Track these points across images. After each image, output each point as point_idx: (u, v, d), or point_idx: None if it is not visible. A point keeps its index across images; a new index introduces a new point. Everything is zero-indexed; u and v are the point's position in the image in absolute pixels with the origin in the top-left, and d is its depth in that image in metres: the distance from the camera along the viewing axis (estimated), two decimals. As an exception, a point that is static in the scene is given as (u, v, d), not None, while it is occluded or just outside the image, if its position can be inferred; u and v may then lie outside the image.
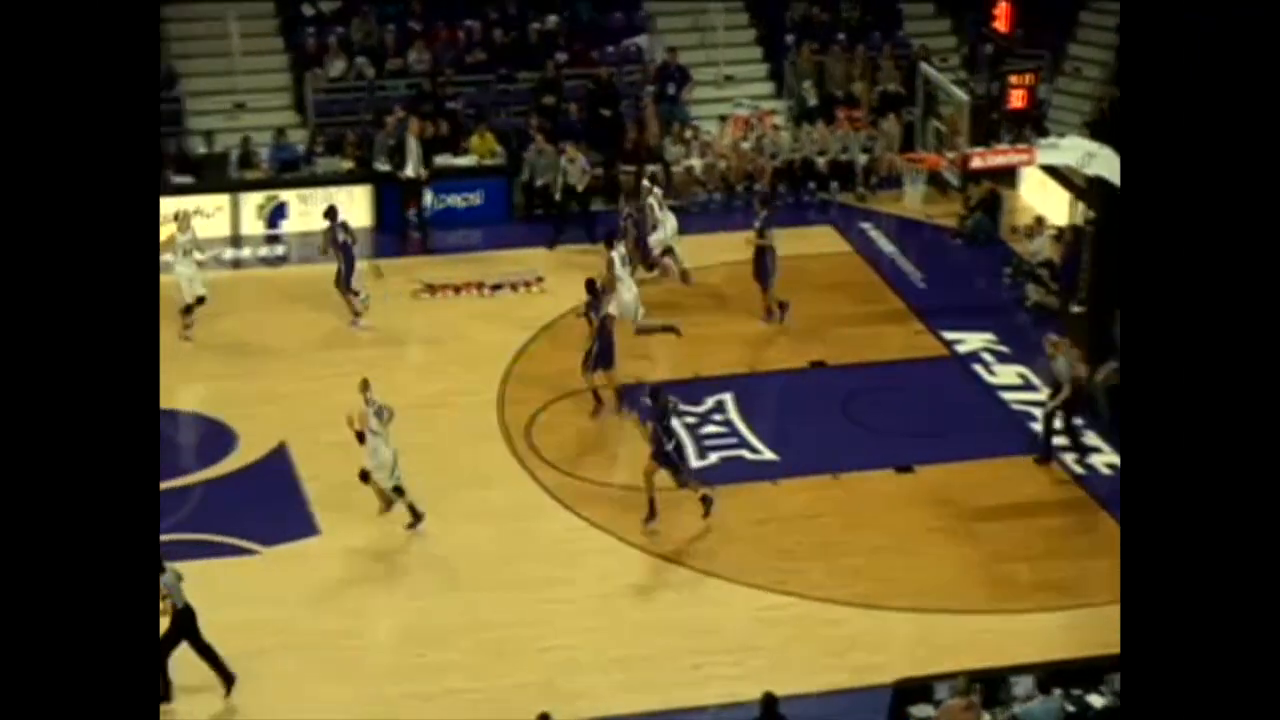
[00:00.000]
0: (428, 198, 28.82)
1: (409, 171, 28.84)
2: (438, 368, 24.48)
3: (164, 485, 21.39)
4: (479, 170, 29.83)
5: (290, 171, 29.83)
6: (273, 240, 28.95)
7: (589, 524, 21.07)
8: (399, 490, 20.59)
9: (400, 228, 28.74)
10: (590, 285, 23.57)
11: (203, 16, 31.99)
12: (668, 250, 26.79)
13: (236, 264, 28.35)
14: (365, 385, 20.74)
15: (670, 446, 20.81)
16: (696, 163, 30.90)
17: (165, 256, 24.08)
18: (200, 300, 25.14)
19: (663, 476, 20.97)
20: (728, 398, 23.90)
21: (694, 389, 23.96)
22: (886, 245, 28.76)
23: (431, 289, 26.78)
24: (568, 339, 24.90)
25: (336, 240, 25.75)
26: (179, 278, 24.83)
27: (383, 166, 29.53)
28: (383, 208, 29.32)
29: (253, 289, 27.28)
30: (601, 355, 23.14)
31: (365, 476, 20.50)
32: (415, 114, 30.02)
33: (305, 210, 28.96)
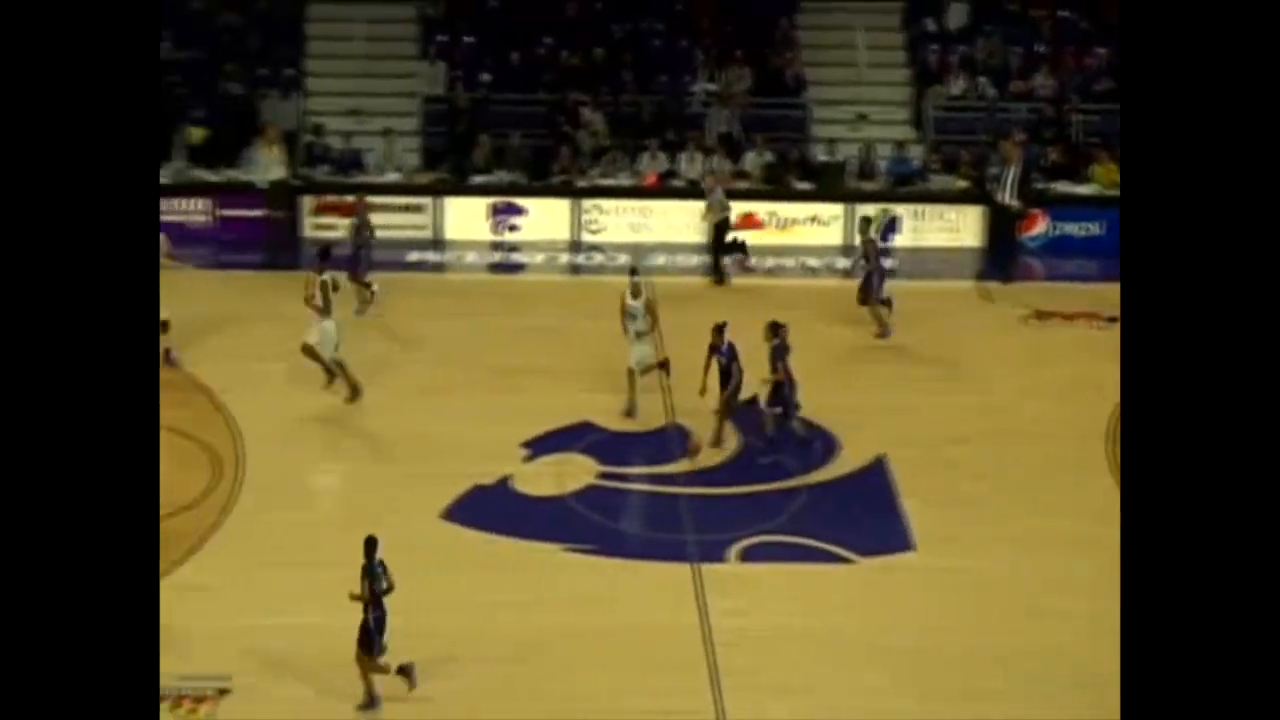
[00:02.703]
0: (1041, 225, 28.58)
1: (999, 198, 28.67)
2: (1039, 392, 24.21)
3: (770, 486, 22.20)
4: (1100, 200, 29.33)
5: (905, 185, 30.08)
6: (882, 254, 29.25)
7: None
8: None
9: (1010, 251, 28.61)
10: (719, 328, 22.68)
11: (832, 26, 32.63)
12: None
13: (847, 274, 28.78)
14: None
15: (374, 617, 17.93)
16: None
17: None
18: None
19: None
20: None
21: None
22: None
23: (1041, 315, 26.52)
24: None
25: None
26: None
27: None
28: (995, 229, 29.25)
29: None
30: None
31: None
32: (1011, 139, 29.61)
33: (917, 226, 29.20)
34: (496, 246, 29.29)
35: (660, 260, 28.71)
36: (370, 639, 17.79)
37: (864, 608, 19.72)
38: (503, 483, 22.13)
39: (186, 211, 28.77)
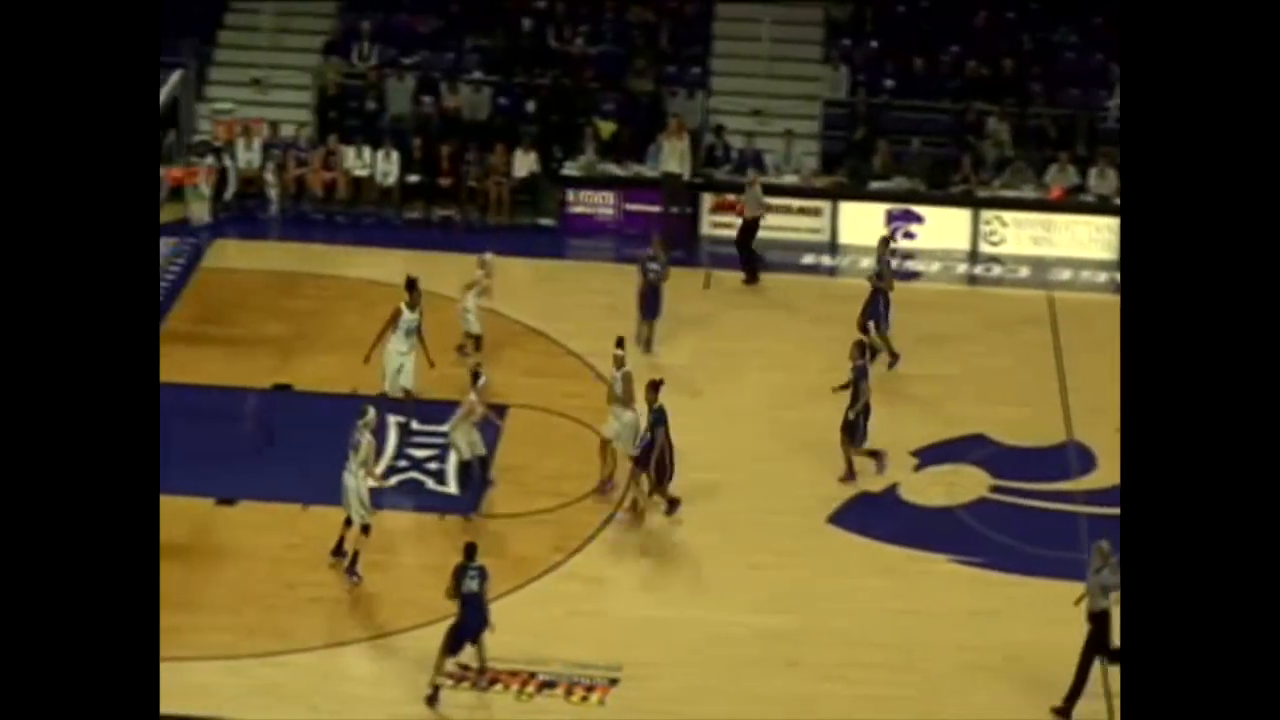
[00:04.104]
0: None
1: None
2: None
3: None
4: None
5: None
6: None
7: None
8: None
9: None
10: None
11: None
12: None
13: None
14: None
15: (461, 618, 17.94)
16: None
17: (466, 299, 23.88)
18: (476, 340, 23.92)
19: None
20: None
21: None
22: None
23: None
24: None
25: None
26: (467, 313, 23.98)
27: None
28: None
29: None
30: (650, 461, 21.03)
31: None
32: None
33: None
34: (892, 253, 28.97)
35: (1065, 275, 28.05)
36: (455, 637, 17.87)
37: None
38: (890, 490, 21.96)
39: (593, 204, 29.20)
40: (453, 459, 21.64)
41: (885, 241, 25.54)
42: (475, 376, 21.31)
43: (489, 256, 24.31)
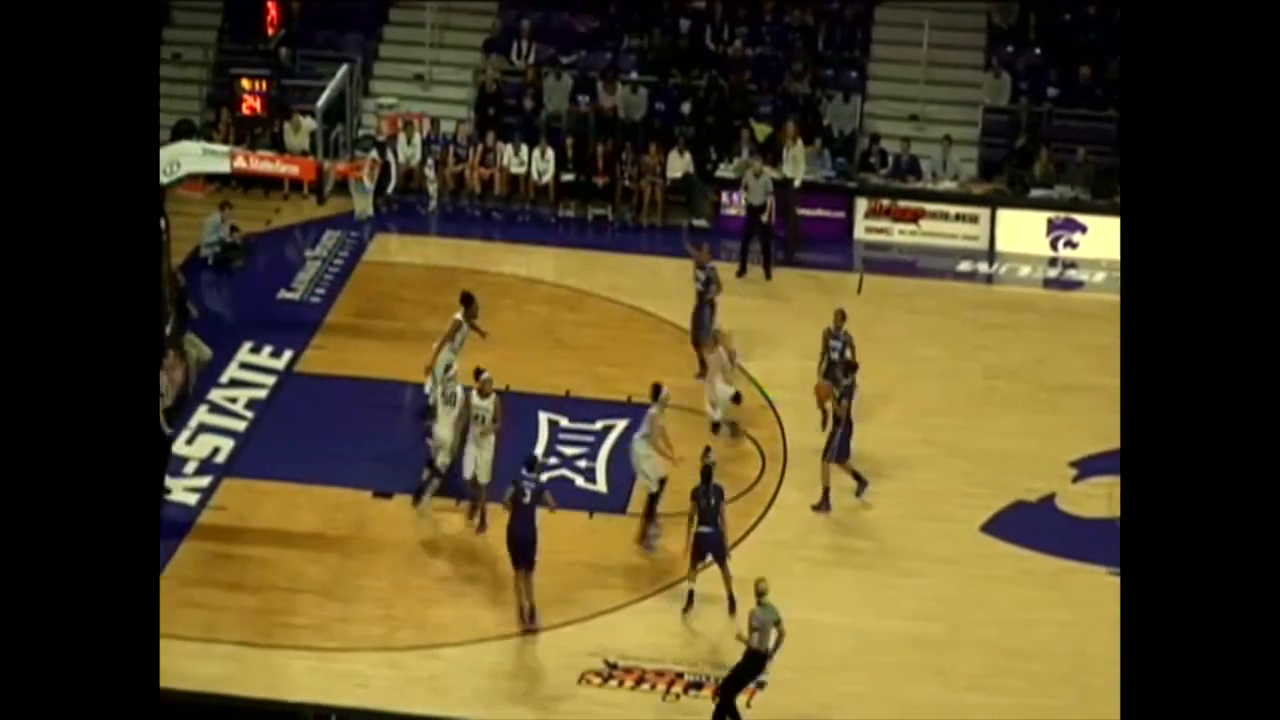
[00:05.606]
0: None
1: None
2: None
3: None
4: None
5: None
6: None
7: None
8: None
9: None
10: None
11: None
12: None
13: None
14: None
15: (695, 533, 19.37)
16: None
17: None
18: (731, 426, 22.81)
19: None
20: None
21: None
22: None
23: None
24: None
25: None
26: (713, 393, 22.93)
27: None
28: None
29: None
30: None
31: None
32: None
33: None
34: (1053, 262, 28.64)
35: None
36: (697, 548, 19.25)
37: None
38: (1047, 500, 21.68)
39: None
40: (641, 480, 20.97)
41: (842, 316, 23.46)
42: (656, 390, 20.79)
43: (724, 329, 23.29)
